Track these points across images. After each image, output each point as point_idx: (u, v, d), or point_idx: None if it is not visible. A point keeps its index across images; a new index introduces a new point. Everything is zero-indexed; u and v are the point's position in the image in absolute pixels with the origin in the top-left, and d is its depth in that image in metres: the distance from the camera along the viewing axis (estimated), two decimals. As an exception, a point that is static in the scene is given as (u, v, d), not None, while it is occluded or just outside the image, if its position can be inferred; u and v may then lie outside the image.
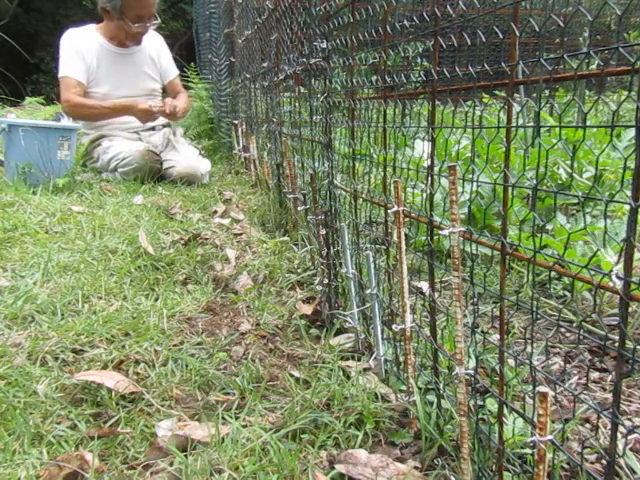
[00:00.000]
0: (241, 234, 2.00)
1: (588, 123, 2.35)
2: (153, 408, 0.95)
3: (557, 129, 2.10)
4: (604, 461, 0.82)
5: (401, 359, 1.00)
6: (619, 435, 0.84)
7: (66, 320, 1.25)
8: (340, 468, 0.79)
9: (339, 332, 1.24)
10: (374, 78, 1.00)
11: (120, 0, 2.98)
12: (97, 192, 2.56)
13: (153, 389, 1.00)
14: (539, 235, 1.23)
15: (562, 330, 1.30)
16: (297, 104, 1.76)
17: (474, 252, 1.41)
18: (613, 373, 1.09)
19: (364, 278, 1.14)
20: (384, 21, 0.90)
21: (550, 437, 0.56)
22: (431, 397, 0.92)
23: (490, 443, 0.77)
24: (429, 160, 0.80)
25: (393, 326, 0.92)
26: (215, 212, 2.33)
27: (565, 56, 0.55)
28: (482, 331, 1.26)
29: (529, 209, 1.74)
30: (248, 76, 2.86)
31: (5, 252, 1.66)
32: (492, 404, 0.91)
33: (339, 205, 1.28)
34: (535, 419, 0.56)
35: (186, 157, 3.10)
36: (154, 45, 3.37)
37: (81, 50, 3.05)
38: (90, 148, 3.18)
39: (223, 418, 0.92)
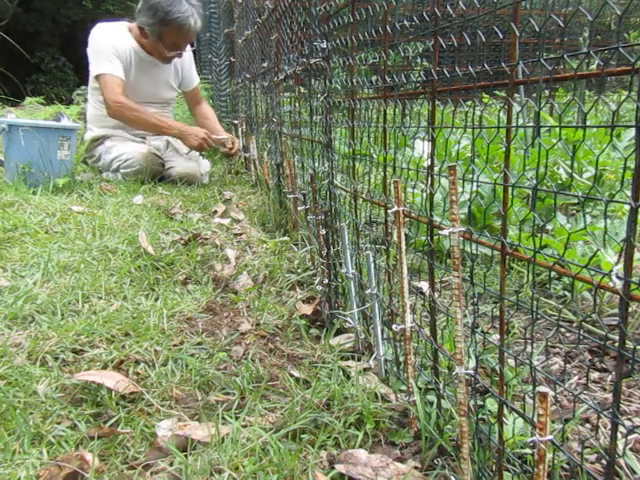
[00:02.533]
0: (241, 234, 2.00)
1: (588, 123, 2.35)
2: (153, 408, 0.95)
3: (557, 129, 2.10)
4: (604, 461, 0.82)
5: (401, 359, 1.00)
6: (619, 435, 0.84)
7: (66, 320, 1.25)
8: (340, 468, 0.79)
9: (339, 332, 1.23)
10: (374, 78, 1.00)
11: (159, 27, 2.90)
12: (97, 192, 2.56)
13: (153, 389, 1.00)
14: (539, 235, 1.23)
15: (562, 330, 1.30)
16: (297, 104, 1.76)
17: (474, 252, 1.41)
18: (613, 373, 1.09)
19: (364, 278, 1.14)
20: (384, 21, 0.90)
21: (550, 437, 0.56)
22: (431, 397, 0.92)
23: (490, 443, 0.77)
24: (429, 160, 0.80)
25: (393, 326, 0.92)
26: (215, 212, 2.33)
27: (565, 56, 0.55)
28: (482, 331, 1.26)
29: (529, 209, 1.74)
30: (248, 76, 2.86)
31: (5, 252, 1.65)
32: (492, 404, 0.91)
33: (339, 205, 1.28)
34: (535, 419, 0.56)
35: (186, 157, 3.09)
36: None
37: (117, 49, 2.97)
38: (92, 146, 3.16)
39: (223, 418, 0.92)
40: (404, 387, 0.97)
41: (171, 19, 2.86)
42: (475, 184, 0.71)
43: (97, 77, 2.96)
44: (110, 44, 2.95)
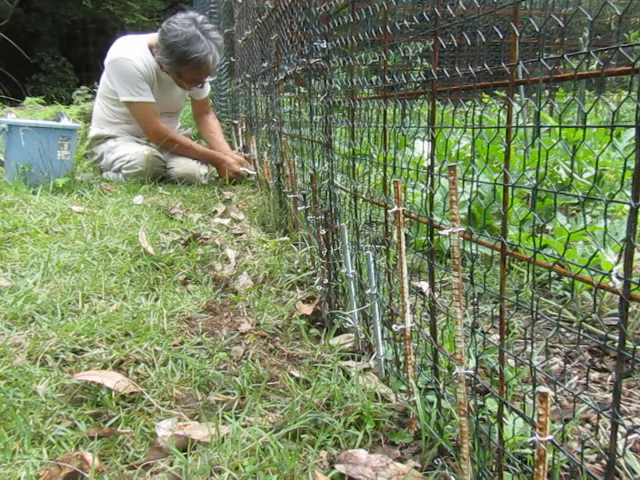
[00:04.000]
0: (241, 234, 2.00)
1: (588, 123, 2.34)
2: (153, 408, 0.95)
3: (557, 129, 2.10)
4: (604, 461, 0.82)
5: (401, 359, 1.00)
6: (619, 435, 0.84)
7: (66, 320, 1.25)
8: (340, 468, 0.79)
9: (339, 332, 1.23)
10: (374, 78, 1.00)
11: (177, 66, 2.87)
12: (97, 192, 2.56)
13: (153, 389, 1.00)
14: (539, 235, 1.23)
15: (562, 330, 1.30)
16: (297, 104, 1.76)
17: (474, 252, 1.41)
18: (613, 373, 1.09)
19: (364, 278, 1.14)
20: (384, 21, 0.90)
21: (550, 437, 0.56)
22: (431, 397, 0.92)
23: (490, 443, 0.77)
24: (429, 160, 0.80)
25: (393, 326, 0.92)
26: (215, 212, 2.33)
27: (565, 56, 0.55)
28: (482, 331, 1.26)
29: (529, 209, 1.74)
30: (248, 76, 2.86)
31: (5, 252, 1.65)
32: (492, 404, 0.91)
33: (339, 205, 1.28)
34: (535, 419, 0.56)
35: (185, 158, 3.09)
36: None
37: (142, 72, 2.93)
38: (94, 144, 3.16)
39: (223, 418, 0.92)
40: (404, 387, 0.97)
41: (188, 59, 2.81)
42: (475, 184, 0.71)
43: (127, 103, 2.94)
44: (134, 69, 2.90)
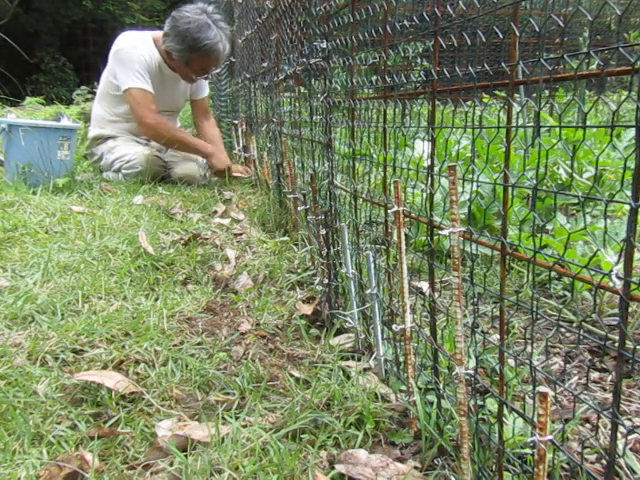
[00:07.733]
0: (241, 234, 2.00)
1: (588, 123, 2.34)
2: (153, 408, 0.95)
3: (557, 129, 2.10)
4: (604, 461, 0.82)
5: (401, 359, 1.00)
6: (619, 435, 0.84)
7: (66, 320, 1.25)
8: (340, 468, 0.79)
9: (339, 332, 1.23)
10: (374, 78, 1.00)
11: (187, 54, 2.86)
12: (97, 192, 2.56)
13: (153, 389, 1.00)
14: (539, 235, 1.23)
15: (562, 330, 1.30)
16: (297, 104, 1.76)
17: (474, 252, 1.41)
18: (613, 373, 1.09)
19: (364, 278, 1.14)
20: (384, 21, 0.90)
21: (550, 437, 0.56)
22: (431, 397, 0.92)
23: (490, 443, 0.77)
24: (429, 160, 0.80)
25: (393, 326, 0.92)
26: (215, 212, 2.33)
27: (565, 56, 0.55)
28: (482, 331, 1.26)
29: (529, 209, 1.74)
30: (248, 76, 2.86)
31: (5, 252, 1.65)
32: (492, 404, 0.91)
33: (339, 205, 1.28)
34: (535, 419, 0.56)
35: (185, 158, 3.09)
36: None
37: (145, 63, 2.93)
38: (94, 144, 3.16)
39: (223, 418, 0.92)
40: (404, 387, 0.97)
41: (200, 46, 2.81)
42: (475, 184, 0.71)
43: (126, 90, 2.91)
44: (140, 56, 2.91)
